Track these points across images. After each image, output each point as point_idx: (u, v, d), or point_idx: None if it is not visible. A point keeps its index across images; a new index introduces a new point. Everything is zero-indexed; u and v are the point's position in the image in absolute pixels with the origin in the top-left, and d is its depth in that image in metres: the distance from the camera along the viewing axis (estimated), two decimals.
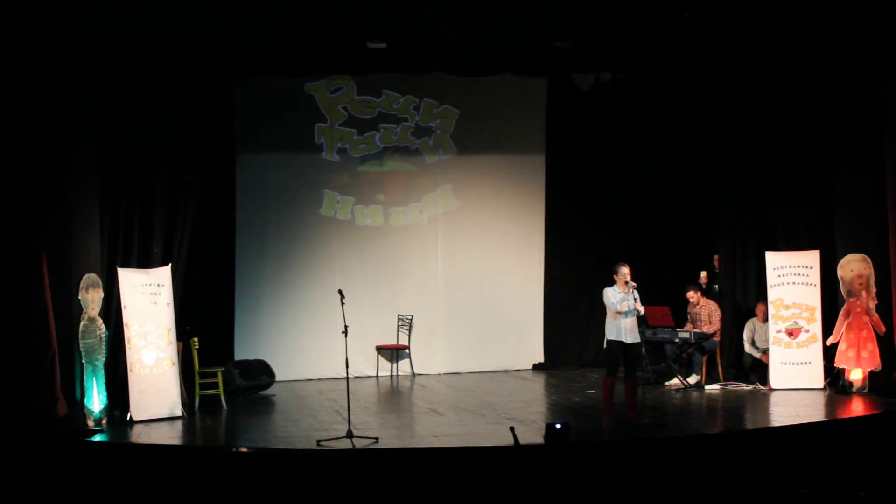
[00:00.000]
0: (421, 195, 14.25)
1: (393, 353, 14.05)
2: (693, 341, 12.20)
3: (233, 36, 11.62)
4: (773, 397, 11.46)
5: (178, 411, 10.79)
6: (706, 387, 12.13)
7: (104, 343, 10.57)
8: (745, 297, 12.92)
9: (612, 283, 10.04)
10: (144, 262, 11.29)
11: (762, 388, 11.91)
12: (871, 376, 11.32)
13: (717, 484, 7.92)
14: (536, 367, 14.42)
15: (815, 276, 11.84)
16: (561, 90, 14.29)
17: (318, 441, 9.24)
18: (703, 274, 13.38)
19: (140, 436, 9.92)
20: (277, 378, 12.77)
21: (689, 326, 12.63)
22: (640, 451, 8.52)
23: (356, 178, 14.03)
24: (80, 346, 10.36)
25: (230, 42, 11.78)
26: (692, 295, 12.60)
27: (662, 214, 14.22)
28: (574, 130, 14.31)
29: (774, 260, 12.05)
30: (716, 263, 13.36)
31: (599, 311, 10.58)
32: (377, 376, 13.92)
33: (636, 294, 9.95)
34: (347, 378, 9.89)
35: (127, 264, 11.10)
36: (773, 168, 12.48)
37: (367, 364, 13.90)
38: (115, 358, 10.84)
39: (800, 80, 12.05)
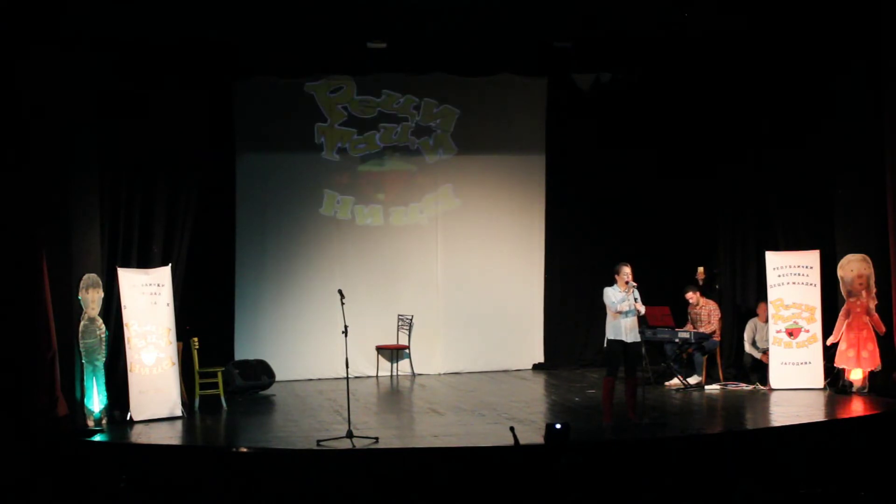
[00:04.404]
0: (421, 195, 14.26)
1: (393, 353, 14.05)
2: (693, 341, 12.20)
3: (233, 35, 11.61)
4: (773, 397, 11.46)
5: (178, 411, 10.80)
6: (706, 387, 12.13)
7: (104, 343, 10.57)
8: (745, 297, 12.92)
9: (612, 282, 10.05)
10: (144, 262, 11.27)
11: (762, 388, 11.91)
12: (871, 376, 11.33)
13: (717, 484, 7.92)
14: (536, 367, 14.43)
15: (815, 276, 11.84)
16: (561, 90, 14.28)
17: (318, 441, 9.24)
18: (700, 270, 13.29)
19: (140, 436, 9.93)
20: (277, 378, 12.77)
21: (689, 326, 12.63)
22: (640, 451, 8.52)
23: (356, 178, 14.03)
24: (80, 346, 10.36)
25: (230, 41, 11.77)
26: (691, 296, 12.61)
27: (662, 214, 14.20)
28: (574, 130, 14.30)
29: (774, 260, 12.05)
30: (699, 276, 13.23)
31: (599, 311, 10.58)
32: (377, 376, 13.92)
33: (636, 294, 9.96)
34: (347, 378, 9.89)
35: (127, 264, 11.08)
36: (774, 168, 12.48)
37: (367, 364, 13.90)
38: (115, 358, 10.83)
39: (800, 80, 12.05)
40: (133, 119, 11.30)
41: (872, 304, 11.39)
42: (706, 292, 12.93)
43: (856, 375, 11.37)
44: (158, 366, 10.76)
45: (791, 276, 11.96)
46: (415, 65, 13.14)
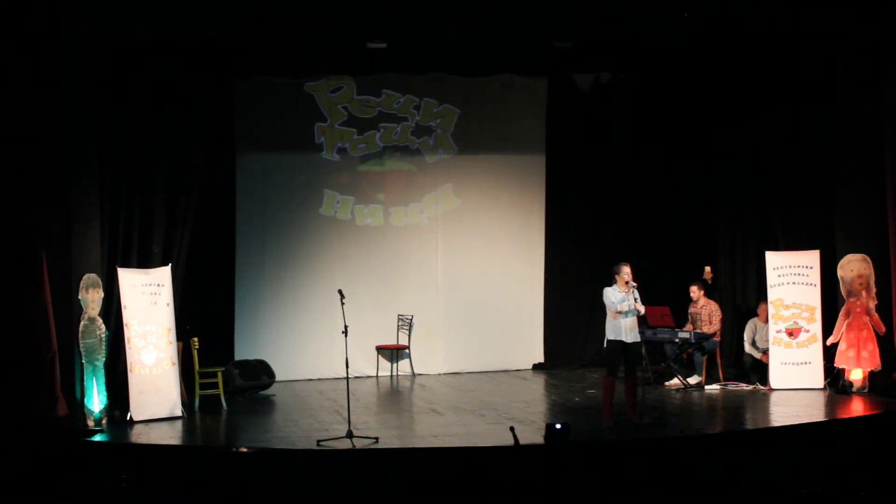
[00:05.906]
0: (421, 195, 14.25)
1: (393, 353, 14.05)
2: (693, 341, 12.20)
3: (233, 35, 11.62)
4: (773, 397, 11.46)
5: (178, 411, 10.80)
6: (706, 387, 12.13)
7: (104, 343, 10.57)
8: (745, 297, 12.92)
9: (612, 282, 10.05)
10: (144, 262, 11.29)
11: (762, 388, 11.91)
12: (871, 376, 11.33)
13: (717, 484, 7.92)
14: (536, 367, 14.42)
15: (815, 276, 11.84)
16: (561, 90, 14.27)
17: (318, 441, 9.24)
18: (707, 269, 13.27)
19: (140, 436, 9.93)
20: (277, 378, 12.77)
21: (689, 326, 12.63)
22: (640, 451, 8.51)
23: (356, 178, 14.03)
24: (80, 346, 10.36)
25: (230, 41, 11.77)
26: (694, 290, 12.58)
27: (662, 214, 14.20)
28: (574, 130, 14.30)
29: (774, 260, 12.04)
30: (707, 276, 13.22)
31: (599, 311, 10.59)
32: (377, 376, 13.91)
33: (636, 294, 9.96)
34: (347, 378, 9.89)
35: (127, 264, 11.09)
36: (774, 168, 12.48)
37: (367, 364, 13.90)
38: (115, 358, 10.84)
39: (800, 80, 12.05)
40: (133, 119, 11.31)
41: (872, 304, 11.39)
42: (710, 293, 12.90)
43: (856, 375, 11.37)
44: (158, 366, 10.76)
45: (791, 276, 11.96)
46: (415, 65, 13.13)
